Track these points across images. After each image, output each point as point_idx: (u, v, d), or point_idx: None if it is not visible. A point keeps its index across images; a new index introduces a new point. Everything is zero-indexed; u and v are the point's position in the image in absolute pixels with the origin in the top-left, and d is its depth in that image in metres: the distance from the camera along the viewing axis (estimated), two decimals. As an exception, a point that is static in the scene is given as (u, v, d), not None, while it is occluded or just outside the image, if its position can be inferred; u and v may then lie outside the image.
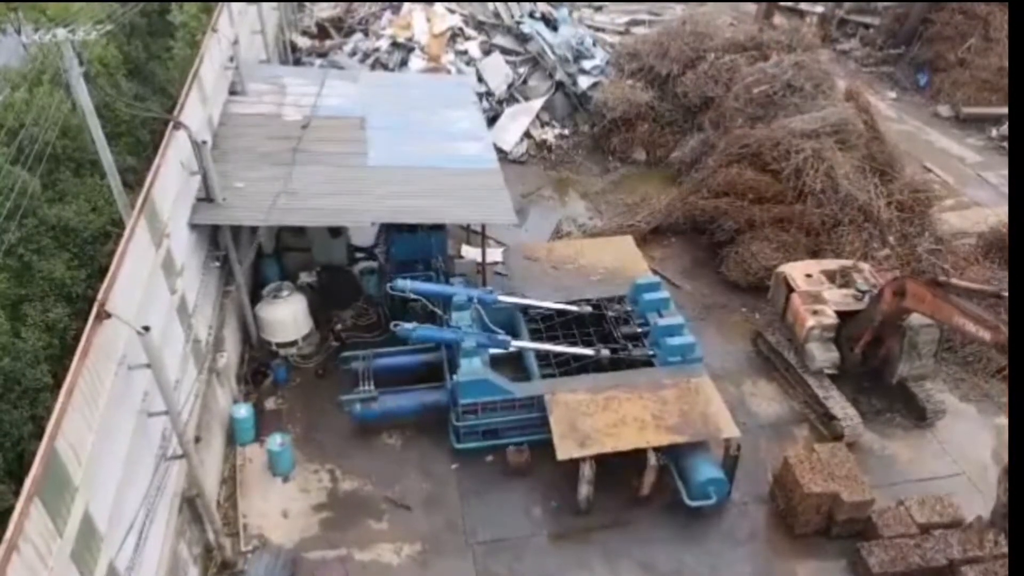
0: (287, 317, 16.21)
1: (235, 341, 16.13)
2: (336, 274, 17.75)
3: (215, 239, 15.13)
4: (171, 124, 13.49)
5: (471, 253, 19.56)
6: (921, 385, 15.00)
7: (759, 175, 18.66)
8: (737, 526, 13.32)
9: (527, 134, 25.01)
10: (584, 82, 25.37)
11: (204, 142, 13.98)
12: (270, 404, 15.57)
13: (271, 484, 13.90)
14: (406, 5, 29.03)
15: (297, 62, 28.75)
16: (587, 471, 12.77)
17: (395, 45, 27.68)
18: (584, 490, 13.04)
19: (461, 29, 28.31)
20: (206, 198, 14.53)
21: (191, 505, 11.76)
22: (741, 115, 20.46)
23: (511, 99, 25.97)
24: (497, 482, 13.98)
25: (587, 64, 25.75)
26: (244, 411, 14.50)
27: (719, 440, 13.25)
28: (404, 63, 27.30)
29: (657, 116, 23.83)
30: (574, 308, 15.64)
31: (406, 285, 14.60)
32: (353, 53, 28.06)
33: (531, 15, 28.41)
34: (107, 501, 9.04)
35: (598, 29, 30.76)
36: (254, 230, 15.89)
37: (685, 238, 20.38)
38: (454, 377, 13.66)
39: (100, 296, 9.46)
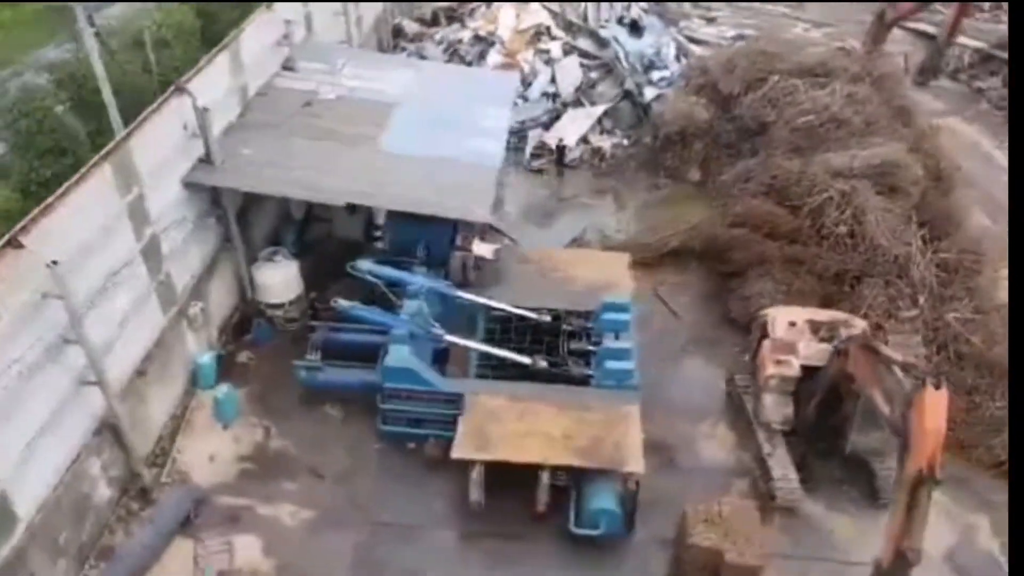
0: (277, 281, 17.22)
1: (228, 295, 17.37)
2: (350, 248, 18.44)
3: (216, 198, 16.34)
4: (173, 87, 14.76)
5: (482, 249, 19.77)
6: (881, 460, 13.59)
7: (776, 208, 17.49)
8: (628, 565, 12.81)
9: (585, 140, 24.77)
10: (650, 93, 24.76)
11: (205, 108, 15.15)
12: (242, 358, 16.67)
13: (212, 429, 14.97)
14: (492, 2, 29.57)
15: (396, 47, 30.08)
16: (475, 475, 12.76)
17: (477, 39, 28.29)
18: (475, 493, 13.01)
19: (548, 28, 28.44)
20: (206, 159, 15.76)
21: (113, 430, 12.96)
22: (784, 145, 19.19)
23: (577, 103, 25.84)
24: (413, 470, 14.25)
25: (656, 75, 25.06)
26: (207, 358, 15.68)
27: (623, 472, 12.73)
28: (483, 56, 27.87)
29: (715, 136, 22.80)
30: (532, 315, 15.52)
31: (365, 267, 15.13)
32: (440, 43, 28.97)
33: (619, 20, 28.02)
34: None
35: (700, 42, 29.76)
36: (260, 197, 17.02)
37: (705, 266, 19.45)
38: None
39: (17, 228, 10.70)
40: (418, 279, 15.29)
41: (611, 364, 13.96)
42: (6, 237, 10.50)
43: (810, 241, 17.12)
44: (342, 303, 14.37)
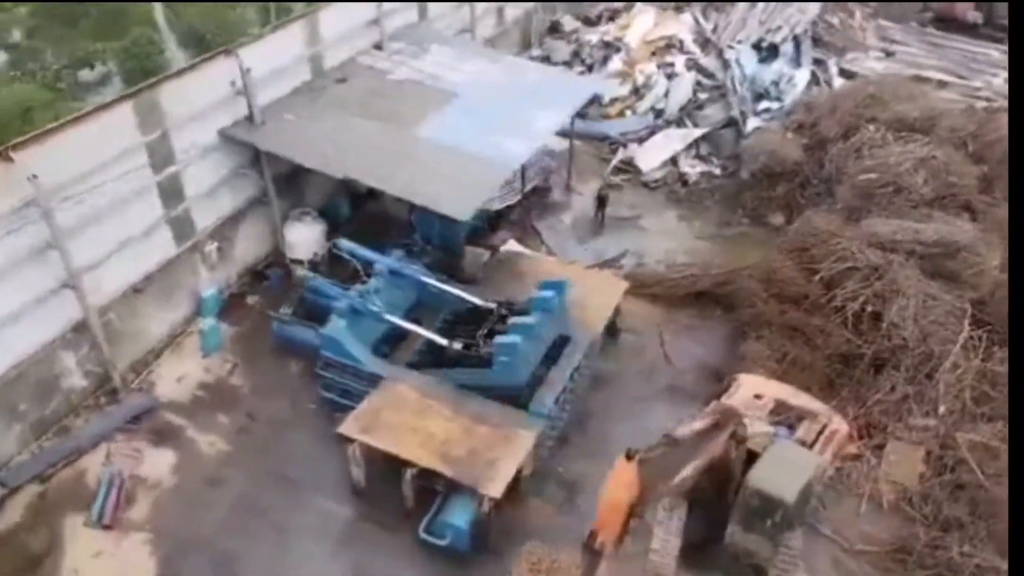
0: (301, 238, 18.75)
1: (259, 244, 19.10)
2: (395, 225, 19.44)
3: (256, 155, 18.09)
4: (222, 50, 16.61)
5: (510, 248, 19.89)
6: (768, 564, 12.01)
7: (792, 267, 15.75)
8: (470, 581, 12.63)
9: (673, 162, 23.72)
10: (752, 123, 23.01)
11: (248, 69, 16.85)
12: (250, 300, 18.41)
13: (193, 355, 16.82)
14: (638, 5, 28.85)
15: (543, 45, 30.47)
16: (353, 453, 13.22)
17: (605, 44, 27.93)
18: (354, 472, 13.52)
19: (680, 42, 27.38)
20: (248, 118, 17.52)
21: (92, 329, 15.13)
22: (844, 201, 17.13)
23: (680, 122, 24.74)
24: (329, 439, 14.90)
25: (764, 105, 23.21)
26: (210, 292, 17.57)
27: (482, 491, 12.50)
28: (605, 62, 27.53)
29: (803, 181, 20.79)
30: (477, 301, 15.39)
31: (344, 246, 16.08)
32: (571, 43, 28.99)
33: (757, 43, 26.22)
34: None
35: (853, 75, 26.97)
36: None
37: (729, 317, 18.01)
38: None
39: (11, 143, 12.90)
40: (383, 260, 15.85)
41: (499, 338, 13.60)
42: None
43: (819, 312, 15.21)
44: (301, 272, 15.40)
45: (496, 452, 13.03)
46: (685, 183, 23.12)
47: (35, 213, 13.39)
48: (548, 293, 14.35)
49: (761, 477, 11.18)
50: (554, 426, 14.54)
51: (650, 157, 23.82)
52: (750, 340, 15.98)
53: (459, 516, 12.52)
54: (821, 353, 15.17)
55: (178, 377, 16.32)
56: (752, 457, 11.69)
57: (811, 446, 12.60)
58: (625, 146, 24.58)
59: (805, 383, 14.80)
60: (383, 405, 13.83)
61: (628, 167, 23.97)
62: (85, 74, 21.17)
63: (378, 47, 21.54)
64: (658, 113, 25.26)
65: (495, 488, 12.41)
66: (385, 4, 21.29)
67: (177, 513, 13.67)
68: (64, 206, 13.80)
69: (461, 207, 16.00)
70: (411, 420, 13.54)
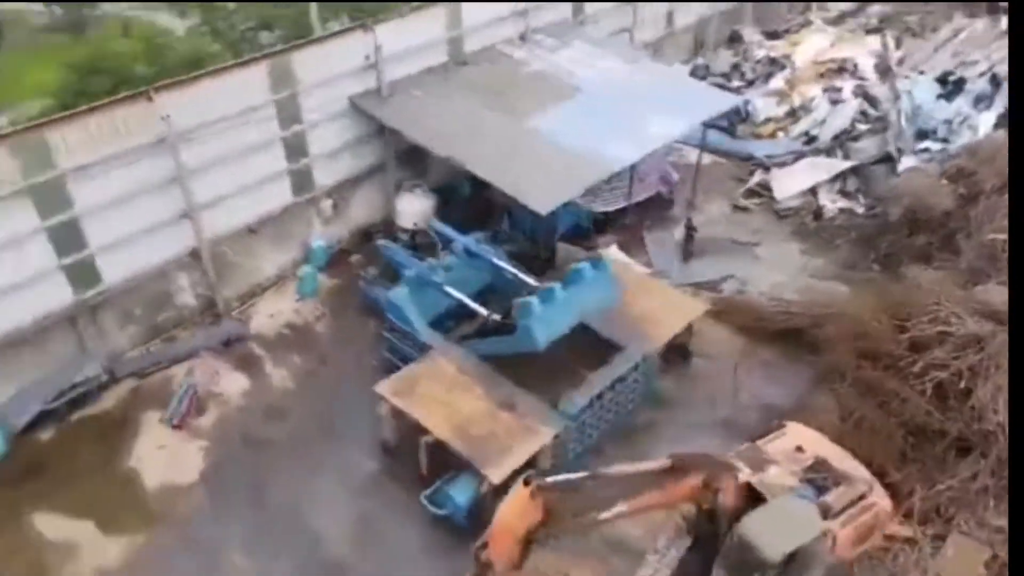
0: (409, 209, 19.86)
1: (375, 209, 20.41)
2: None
3: (382, 125, 19.34)
4: (361, 24, 17.98)
5: (608, 253, 19.75)
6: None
7: (887, 321, 14.34)
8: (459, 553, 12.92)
9: (813, 192, 22.24)
10: (906, 163, 20.97)
11: (379, 46, 18.09)
12: (354, 258, 19.79)
13: (290, 296, 18.47)
14: (816, 22, 27.10)
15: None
16: (382, 411, 13.98)
17: (771, 60, 26.61)
18: (384, 431, 14.30)
19: (855, 66, 25.50)
20: (376, 90, 18.81)
21: (213, 258, 17.14)
22: (966, 261, 15.28)
23: (831, 151, 23.10)
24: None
25: (924, 144, 21.03)
26: (318, 244, 19.15)
27: (484, 472, 12.73)
28: (768, 78, 26.29)
29: (948, 234, 18.68)
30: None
31: (432, 223, 16.98)
32: (736, 55, 27.90)
33: (944, 77, 23.80)
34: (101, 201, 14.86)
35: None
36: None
37: (817, 360, 16.74)
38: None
39: (155, 85, 14.91)
40: (464, 241, 16.38)
41: (518, 300, 13.67)
42: (143, 89, 14.77)
43: (900, 375, 13.76)
44: (381, 241, 16.42)
45: (512, 440, 13.20)
46: (820, 216, 21.58)
47: (165, 149, 15.39)
48: (583, 266, 14.23)
49: (751, 526, 10.41)
50: (587, 432, 14.42)
51: (789, 184, 22.48)
52: (823, 390, 14.77)
53: (461, 492, 12.87)
54: (896, 420, 13.69)
55: (271, 314, 18.02)
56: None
57: (837, 515, 11.55)
58: (768, 169, 23.38)
59: (871, 449, 13.46)
60: (422, 374, 14.45)
61: (763, 191, 22.80)
62: (265, 36, 23.79)
63: (522, 38, 22.10)
64: (810, 139, 23.71)
65: (497, 474, 12.59)
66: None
67: (234, 430, 15.23)
68: (191, 147, 15.71)
69: (543, 201, 16.18)
70: (443, 393, 14.03)
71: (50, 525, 13.40)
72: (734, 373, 16.55)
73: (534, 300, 13.58)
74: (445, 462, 13.52)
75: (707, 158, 24.26)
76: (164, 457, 14.59)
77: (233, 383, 16.22)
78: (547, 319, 13.64)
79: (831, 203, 21.73)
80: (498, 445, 13.13)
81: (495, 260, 16.35)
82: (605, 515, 9.21)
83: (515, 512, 8.52)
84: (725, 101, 21.12)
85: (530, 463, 13.32)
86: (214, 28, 22.92)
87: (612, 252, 19.96)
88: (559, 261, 18.72)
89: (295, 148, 18.05)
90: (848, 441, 13.34)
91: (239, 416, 15.53)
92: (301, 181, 18.56)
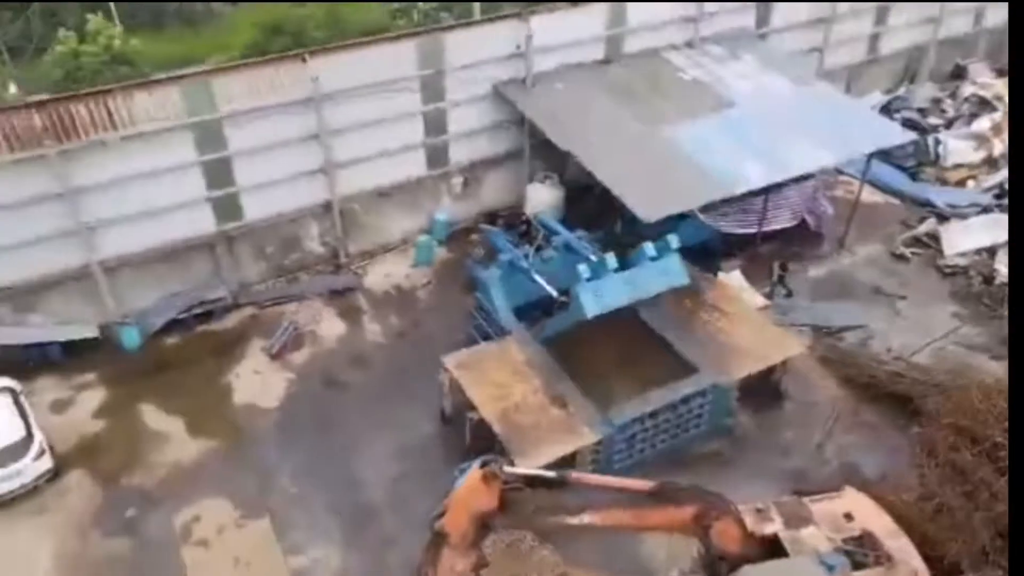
0: (537, 198, 20.27)
1: (506, 193, 20.97)
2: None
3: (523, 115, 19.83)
4: (516, 13, 18.52)
5: (728, 278, 18.87)
6: None
7: (997, 401, 12.48)
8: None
9: (990, 253, 19.67)
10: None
11: (530, 36, 18.53)
12: (475, 237, 20.48)
13: (405, 261, 19.59)
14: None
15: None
16: (444, 380, 14.50)
17: (982, 101, 23.71)
18: (444, 401, 14.83)
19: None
20: (522, 80, 19.29)
21: (343, 213, 18.65)
22: None
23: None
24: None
25: None
26: (442, 217, 20.09)
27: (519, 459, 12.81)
28: (971, 120, 23.56)
29: None
30: None
31: (541, 217, 17.32)
32: (943, 91, 25.17)
33: None
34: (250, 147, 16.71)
35: None
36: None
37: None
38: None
39: (310, 49, 16.43)
40: (565, 235, 16.42)
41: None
42: (298, 51, 16.34)
43: (995, 464, 11.93)
44: (484, 226, 16.92)
45: (552, 436, 13.17)
46: (990, 281, 19.03)
47: (311, 108, 16.92)
48: (646, 246, 14.11)
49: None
50: (636, 447, 14.01)
51: (962, 239, 20.04)
52: (909, 464, 13.19)
53: (547, 472, 13.04)
54: (984, 515, 11.92)
55: (386, 274, 19.23)
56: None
57: (866, 595, 10.35)
58: (943, 219, 20.99)
59: (948, 540, 11.87)
60: (490, 355, 14.77)
61: (930, 242, 20.49)
62: (447, 16, 25.17)
63: (690, 44, 21.53)
64: (1002, 193, 20.91)
65: (525, 463, 12.60)
66: (709, 4, 21.11)
67: (319, 370, 16.53)
68: (335, 109, 17.13)
69: (650, 209, 15.79)
70: (502, 376, 14.27)
71: (153, 416, 15.42)
72: (825, 426, 15.23)
73: (583, 267, 13.65)
74: (489, 441, 13.78)
75: (877, 196, 22.34)
76: (256, 381, 16.19)
77: (332, 328, 17.56)
78: (599, 290, 13.64)
79: (1007, 268, 19.01)
80: (536, 437, 13.16)
81: (591, 256, 16.23)
82: (572, 521, 9.00)
83: (468, 491, 8.58)
84: (893, 137, 19.19)
85: (566, 461, 13.24)
86: (405, 9, 24.65)
87: (732, 277, 19.05)
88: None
89: (435, 123, 19.04)
90: (924, 526, 11.85)
91: (327, 358, 16.81)
92: (436, 156, 19.56)
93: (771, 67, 21.15)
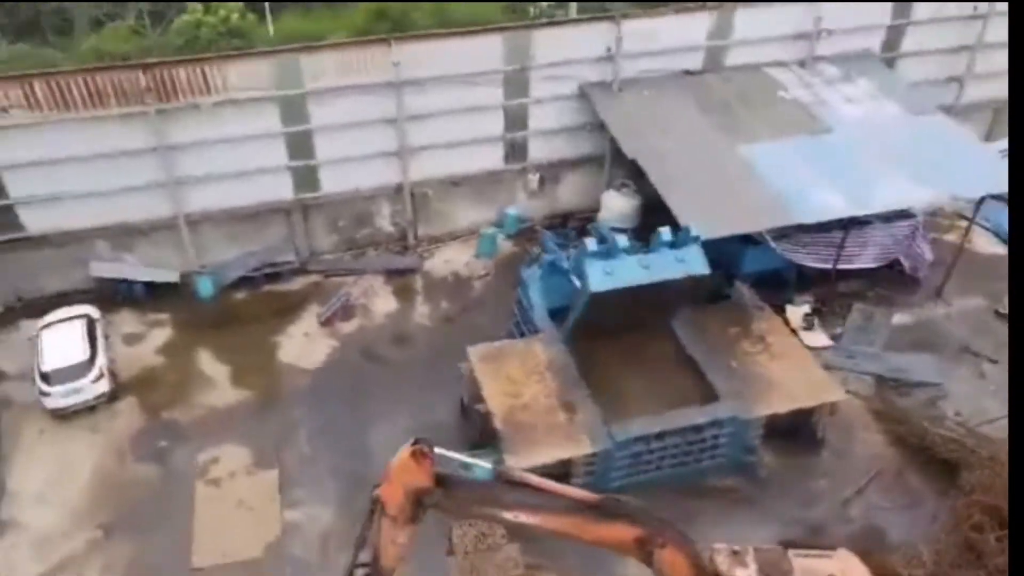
0: (612, 205, 19.95)
1: (583, 196, 20.80)
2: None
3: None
4: (609, 15, 18.33)
5: (795, 311, 17.80)
6: None
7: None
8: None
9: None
10: None
11: (619, 39, 18.26)
12: (548, 235, 20.50)
13: (469, 251, 19.93)
14: None
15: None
16: (464, 370, 14.69)
17: None
18: (462, 388, 15.04)
19: None
20: (608, 83, 19.05)
21: (414, 197, 19.33)
22: None
23: None
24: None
25: None
26: (513, 212, 20.29)
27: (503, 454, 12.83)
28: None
29: None
30: None
31: (598, 226, 17.22)
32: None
33: None
34: (331, 123, 17.67)
35: None
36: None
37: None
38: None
39: (395, 36, 17.08)
40: (620, 242, 15.97)
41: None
42: (383, 36, 17.04)
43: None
44: (542, 229, 16.99)
45: (550, 439, 13.07)
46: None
47: (391, 92, 17.60)
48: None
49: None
50: (640, 467, 13.57)
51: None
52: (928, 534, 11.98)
53: (484, 462, 13.13)
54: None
55: (447, 260, 19.69)
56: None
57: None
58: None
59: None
60: (514, 352, 14.81)
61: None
62: (561, 14, 25.14)
63: (802, 64, 20.39)
64: None
65: (514, 461, 12.60)
66: (829, 21, 19.86)
67: (362, 342, 17.24)
68: (415, 95, 17.72)
69: (703, 227, 15.05)
70: (519, 374, 14.28)
71: (206, 361, 16.73)
72: (860, 482, 14.06)
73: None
74: (495, 434, 13.86)
75: (998, 247, 20.19)
76: (303, 343, 17.14)
77: (384, 304, 18.25)
78: (609, 268, 13.33)
79: None
80: (533, 438, 13.10)
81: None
82: (507, 517, 8.89)
83: (399, 466, 8.67)
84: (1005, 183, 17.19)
85: (561, 471, 13.10)
86: (517, 7, 24.95)
87: (799, 311, 17.91)
88: (734, 296, 17.31)
89: (516, 119, 19.24)
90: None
91: (372, 332, 17.49)
92: (515, 151, 19.75)
93: (887, 94, 19.62)
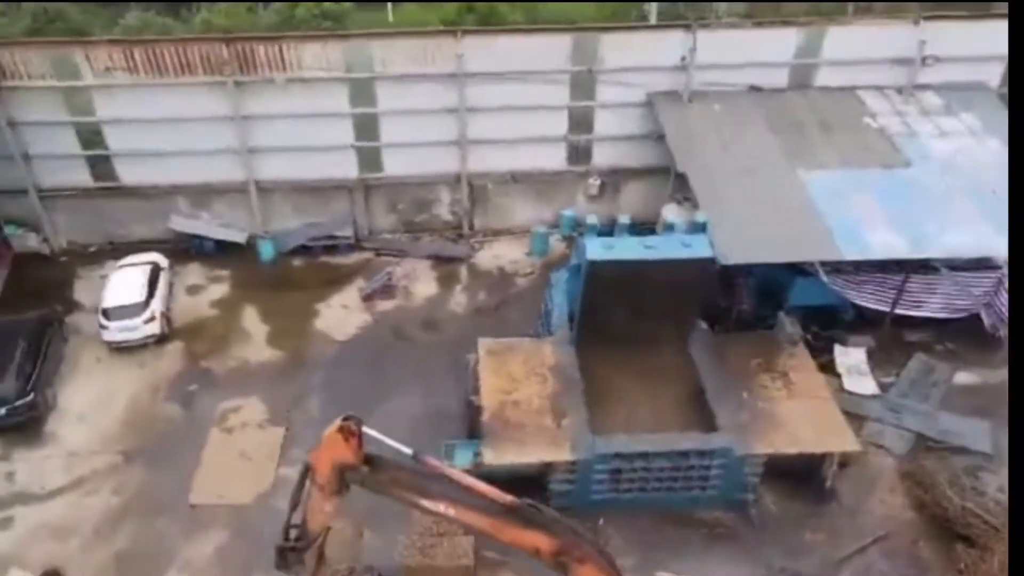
0: (669, 215, 19.40)
1: (641, 204, 20.20)
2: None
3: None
4: (685, 24, 17.83)
5: (846, 353, 16.71)
6: None
7: None
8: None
9: None
10: None
11: (692, 49, 17.72)
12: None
13: (521, 248, 20.06)
14: None
15: None
16: (471, 361, 14.89)
17: None
18: (467, 378, 15.25)
19: None
20: (678, 93, 18.54)
21: (473, 189, 19.76)
22: None
23: None
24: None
25: None
26: (570, 214, 20.20)
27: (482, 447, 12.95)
28: None
29: None
30: None
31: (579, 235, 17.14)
32: None
33: None
34: (397, 108, 18.37)
35: None
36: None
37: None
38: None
39: (463, 28, 17.45)
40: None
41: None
42: (452, 28, 17.46)
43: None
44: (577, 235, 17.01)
45: (532, 441, 13.07)
46: None
47: (455, 83, 18.01)
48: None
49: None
50: (623, 485, 13.26)
51: None
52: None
53: (463, 453, 13.42)
54: None
55: (496, 254, 19.94)
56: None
57: None
58: None
59: None
60: (522, 349, 14.86)
61: None
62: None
63: (900, 91, 18.96)
64: None
65: (491, 455, 12.79)
66: (934, 46, 18.35)
67: (395, 321, 17.85)
68: (477, 88, 18.05)
69: (735, 251, 14.46)
70: (520, 372, 14.33)
71: (250, 319, 17.92)
72: (862, 542, 13.06)
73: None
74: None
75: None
76: (340, 315, 17.97)
77: (425, 288, 18.76)
78: (610, 243, 13.65)
79: None
80: (517, 437, 13.13)
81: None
82: (426, 505, 9.03)
83: (328, 439, 8.98)
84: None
85: (539, 476, 13.09)
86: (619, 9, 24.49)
87: (852, 353, 16.76)
88: (777, 327, 16.43)
89: (580, 121, 19.16)
90: None
91: (407, 313, 18.06)
92: (578, 154, 19.67)
93: (991, 132, 17.89)
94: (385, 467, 9.21)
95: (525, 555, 9.18)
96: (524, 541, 9.05)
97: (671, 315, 14.17)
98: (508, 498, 9.01)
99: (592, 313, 14.07)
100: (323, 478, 9.35)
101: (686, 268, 13.35)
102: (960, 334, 17.22)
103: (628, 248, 13.53)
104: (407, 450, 9.13)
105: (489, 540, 9.65)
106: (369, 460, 9.17)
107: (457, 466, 13.32)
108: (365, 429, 8.95)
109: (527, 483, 13.04)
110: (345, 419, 8.98)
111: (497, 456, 12.81)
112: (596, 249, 13.39)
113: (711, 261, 13.52)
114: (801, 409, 13.73)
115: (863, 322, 17.25)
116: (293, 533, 9.84)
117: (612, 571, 9.11)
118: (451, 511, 9.14)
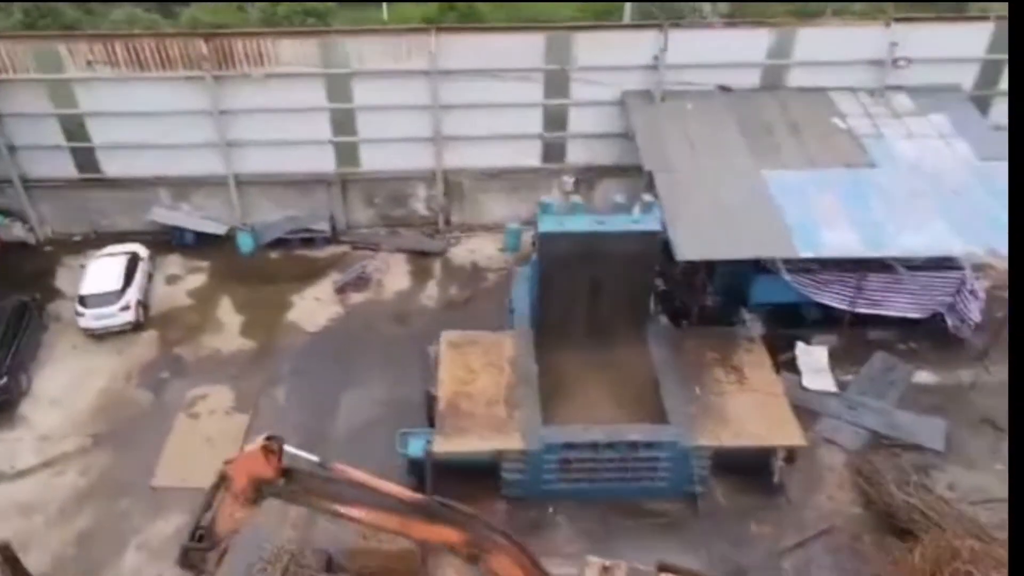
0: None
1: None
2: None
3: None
4: (657, 23, 18.04)
5: (808, 351, 16.91)
6: None
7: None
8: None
9: None
10: None
11: (664, 49, 17.95)
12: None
13: (491, 245, 20.36)
14: None
15: None
16: (431, 352, 15.16)
17: None
18: (429, 369, 15.56)
19: None
20: (649, 92, 18.77)
21: (449, 184, 20.07)
22: None
23: None
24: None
25: None
26: (549, 205, 20.36)
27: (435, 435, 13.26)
28: None
29: None
30: None
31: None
32: None
33: None
34: (373, 104, 18.69)
35: None
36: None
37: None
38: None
39: (437, 26, 17.76)
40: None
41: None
42: (426, 26, 17.77)
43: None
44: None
45: (482, 430, 13.37)
46: None
47: (428, 80, 18.32)
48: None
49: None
50: (573, 475, 13.53)
51: None
52: None
53: (415, 443, 13.63)
54: None
55: (471, 249, 20.24)
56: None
57: None
58: None
59: None
60: (483, 342, 15.15)
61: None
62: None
63: (871, 92, 19.12)
64: None
65: (441, 444, 13.08)
66: (905, 48, 18.49)
67: (365, 313, 18.20)
68: (451, 85, 18.36)
69: (690, 247, 14.73)
70: (478, 363, 14.64)
71: (225, 309, 18.32)
72: (804, 535, 13.28)
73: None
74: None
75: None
76: (312, 307, 18.34)
77: (397, 282, 19.10)
78: (561, 221, 14.36)
79: None
80: (467, 427, 13.43)
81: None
82: (341, 510, 9.24)
83: (249, 455, 9.17)
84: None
85: (491, 465, 13.37)
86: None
87: (815, 351, 16.95)
88: (737, 320, 16.68)
89: (554, 119, 19.42)
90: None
91: (378, 306, 18.40)
92: (551, 150, 19.93)
93: (960, 134, 18.02)
94: (300, 478, 9.37)
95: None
96: (435, 536, 9.32)
97: (624, 292, 14.56)
98: (415, 496, 9.29)
99: (547, 289, 14.42)
100: (238, 488, 9.45)
101: (634, 240, 14.11)
102: (923, 334, 17.38)
103: (579, 223, 14.22)
104: (314, 458, 9.31)
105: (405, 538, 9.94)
106: (285, 472, 9.35)
107: (410, 455, 13.75)
108: (288, 448, 9.14)
109: (483, 473, 13.50)
110: (268, 438, 9.15)
111: (447, 445, 13.12)
112: (549, 223, 13.94)
113: (656, 234, 14.26)
114: (751, 404, 13.96)
115: (828, 321, 17.44)
116: (199, 534, 9.80)
117: (527, 560, 9.37)
118: (364, 515, 9.36)
